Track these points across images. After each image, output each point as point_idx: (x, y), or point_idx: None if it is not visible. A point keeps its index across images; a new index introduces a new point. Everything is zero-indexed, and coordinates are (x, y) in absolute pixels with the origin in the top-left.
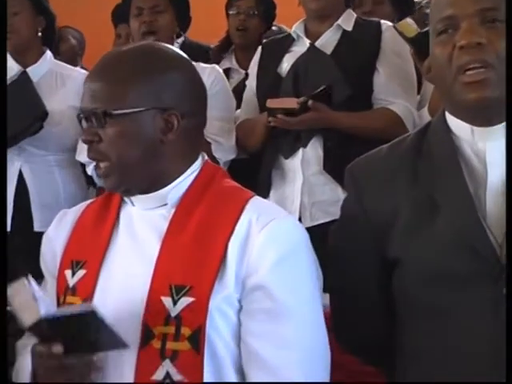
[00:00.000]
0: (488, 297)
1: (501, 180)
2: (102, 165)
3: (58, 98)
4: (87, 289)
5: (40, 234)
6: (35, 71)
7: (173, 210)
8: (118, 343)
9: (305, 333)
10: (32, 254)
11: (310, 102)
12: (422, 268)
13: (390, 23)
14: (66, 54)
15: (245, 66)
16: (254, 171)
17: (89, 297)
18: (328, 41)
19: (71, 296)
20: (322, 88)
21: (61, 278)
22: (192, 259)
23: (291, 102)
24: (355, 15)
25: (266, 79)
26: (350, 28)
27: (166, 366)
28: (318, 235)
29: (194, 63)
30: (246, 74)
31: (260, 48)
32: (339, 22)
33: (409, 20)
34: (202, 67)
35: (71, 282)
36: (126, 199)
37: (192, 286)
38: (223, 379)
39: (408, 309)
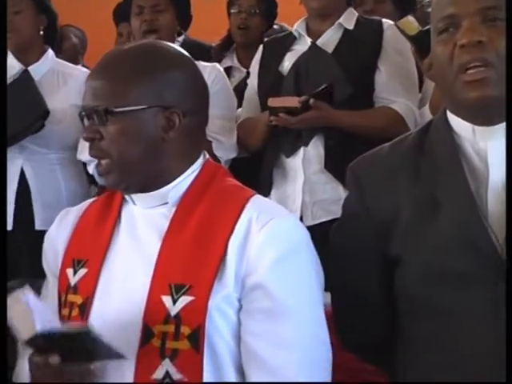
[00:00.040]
0: (489, 296)
1: (502, 179)
2: (103, 162)
3: (59, 97)
4: (88, 287)
5: (41, 233)
6: (37, 70)
7: (173, 209)
8: (114, 355)
9: (304, 333)
10: (33, 252)
11: (311, 101)
12: (423, 266)
13: (392, 22)
14: (68, 52)
15: (246, 64)
16: (256, 170)
17: (90, 296)
18: (329, 39)
19: (72, 294)
20: (323, 87)
21: (62, 276)
22: (192, 258)
23: (293, 101)
24: (356, 14)
25: (267, 78)
26: (351, 27)
27: (166, 365)
28: (320, 234)
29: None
30: (248, 73)
31: (261, 46)
32: (340, 20)
33: (410, 18)
34: (203, 66)
35: (72, 280)
36: (127, 198)
37: (191, 285)
38: (223, 379)
39: (409, 307)
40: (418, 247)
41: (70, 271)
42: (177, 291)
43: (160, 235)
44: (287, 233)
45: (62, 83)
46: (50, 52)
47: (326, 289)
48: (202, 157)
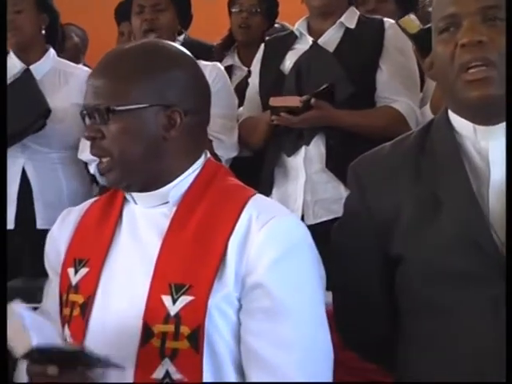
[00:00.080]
0: (490, 295)
1: (503, 178)
2: (104, 160)
3: (61, 96)
4: (89, 287)
5: (43, 232)
6: (38, 69)
7: (174, 208)
8: (112, 366)
9: (304, 332)
10: (35, 251)
11: (312, 101)
12: (424, 265)
13: (393, 21)
14: (69, 51)
15: (247, 63)
16: (257, 169)
17: (91, 295)
18: (331, 38)
19: (74, 294)
20: (324, 86)
21: (64, 275)
22: (192, 258)
23: (294, 101)
24: (358, 13)
25: (268, 77)
26: (352, 26)
27: (166, 365)
28: (321, 233)
29: None
30: (249, 71)
31: (263, 45)
32: (342, 19)
33: (412, 16)
34: (204, 65)
35: (74, 280)
36: (128, 197)
37: (191, 285)
38: (223, 378)
39: (410, 306)
40: (419, 246)
41: (71, 271)
42: (177, 291)
43: (161, 235)
44: (287, 232)
45: (64, 82)
46: (52, 51)
47: (328, 288)
48: (203, 156)
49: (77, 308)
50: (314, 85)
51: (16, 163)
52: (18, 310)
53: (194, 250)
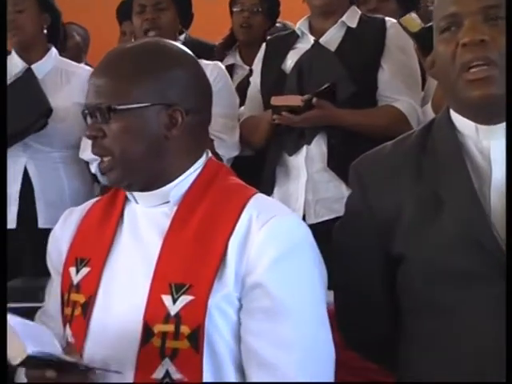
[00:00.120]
0: (492, 294)
1: (506, 177)
2: (105, 159)
3: (62, 95)
4: (91, 286)
5: (44, 231)
6: (40, 68)
7: (175, 208)
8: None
9: (305, 332)
10: (36, 250)
11: (314, 100)
12: (426, 264)
13: (395, 20)
14: (71, 50)
15: (249, 62)
16: (258, 168)
17: (92, 294)
18: (332, 38)
19: (75, 293)
20: (326, 85)
21: (65, 275)
22: (192, 257)
23: (295, 100)
24: (359, 12)
25: (270, 76)
26: (354, 25)
27: (166, 365)
28: (322, 232)
29: None
30: (250, 70)
31: (264, 45)
32: (343, 18)
33: (413, 15)
34: (205, 64)
35: (75, 279)
36: (129, 197)
37: (191, 285)
38: (223, 378)
39: (412, 306)
40: (420, 245)
41: (72, 270)
42: (177, 290)
43: (161, 234)
44: (288, 232)
45: (65, 81)
46: (54, 50)
47: (329, 287)
48: (204, 155)
49: (78, 307)
50: (315, 84)
51: (18, 162)
52: (10, 320)
53: (195, 250)
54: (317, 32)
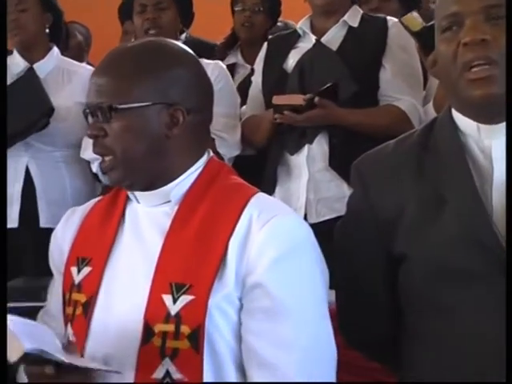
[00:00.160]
0: (494, 293)
1: (506, 177)
2: (106, 159)
3: (64, 94)
4: (92, 286)
5: (46, 230)
6: (42, 67)
7: (176, 207)
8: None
9: (305, 332)
10: (38, 250)
11: (316, 99)
12: (427, 263)
13: (396, 19)
14: (73, 50)
15: (250, 61)
16: (260, 168)
17: (94, 294)
18: (334, 37)
19: (76, 293)
20: (328, 85)
21: (67, 274)
22: (193, 257)
23: (297, 99)
24: (361, 11)
25: (271, 75)
26: (355, 24)
27: (166, 365)
28: (324, 232)
29: None
30: (252, 69)
31: (266, 44)
32: (345, 18)
33: (414, 14)
34: (206, 63)
35: (77, 279)
36: (131, 196)
37: (192, 284)
38: (224, 378)
39: (413, 305)
40: (422, 245)
41: (74, 269)
42: (177, 290)
43: (162, 234)
44: (288, 231)
45: (67, 81)
46: (55, 50)
47: (331, 287)
48: (206, 154)
49: (79, 307)
50: (317, 83)
51: (20, 162)
52: (7, 318)
53: (195, 250)
54: (318, 31)
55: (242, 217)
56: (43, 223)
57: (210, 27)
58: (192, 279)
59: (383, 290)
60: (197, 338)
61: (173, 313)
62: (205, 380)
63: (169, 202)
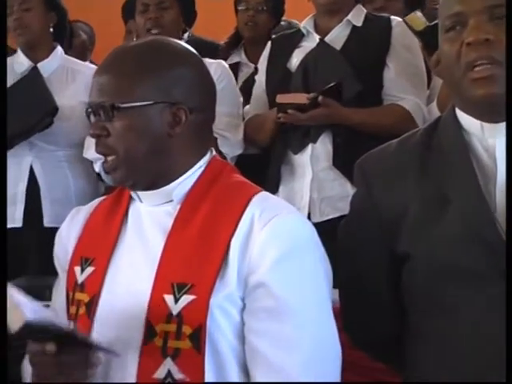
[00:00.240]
0: (498, 293)
1: (506, 177)
2: (109, 158)
3: (68, 94)
4: (95, 286)
5: (50, 230)
6: (46, 67)
7: (178, 207)
8: (106, 351)
9: (308, 332)
10: (42, 249)
11: (320, 98)
12: (431, 263)
13: (400, 19)
14: (77, 48)
15: (254, 60)
16: (263, 167)
17: (96, 294)
18: (338, 36)
19: (79, 292)
20: (332, 84)
21: (70, 274)
22: (195, 257)
23: (301, 98)
24: (365, 10)
25: (275, 74)
26: (359, 23)
27: (168, 365)
28: (327, 231)
29: None
30: (256, 69)
31: (269, 43)
32: (349, 17)
33: (418, 13)
34: (209, 63)
35: (80, 278)
36: (134, 196)
37: (193, 284)
38: (226, 378)
39: (417, 304)
40: (426, 244)
41: (77, 269)
42: (179, 290)
43: (164, 233)
44: (290, 231)
45: (71, 80)
46: (59, 49)
47: (335, 286)
48: (208, 153)
49: (82, 307)
50: (321, 82)
51: (24, 161)
52: (10, 289)
53: (197, 249)
54: (322, 31)
55: (244, 216)
56: (47, 222)
57: (212, 26)
58: (194, 279)
59: (387, 289)
60: (198, 337)
61: (174, 313)
62: (206, 380)
63: (171, 201)
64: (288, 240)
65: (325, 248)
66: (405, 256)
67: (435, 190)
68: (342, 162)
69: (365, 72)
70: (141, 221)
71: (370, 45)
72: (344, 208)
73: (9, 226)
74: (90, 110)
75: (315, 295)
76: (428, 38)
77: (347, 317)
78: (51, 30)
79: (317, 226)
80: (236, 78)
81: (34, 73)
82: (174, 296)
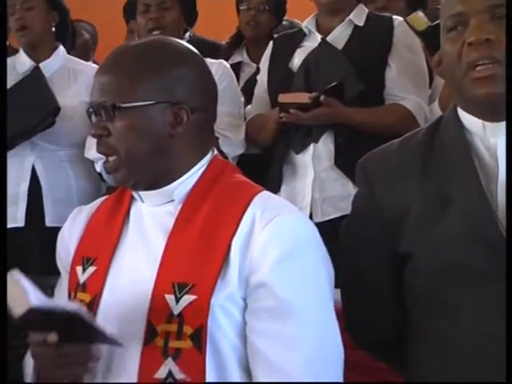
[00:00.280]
0: (500, 292)
1: (506, 176)
2: (110, 159)
3: (70, 94)
4: (96, 286)
5: (52, 229)
6: (48, 66)
7: (179, 207)
8: (109, 341)
9: (310, 332)
10: (44, 249)
11: (321, 97)
12: (433, 262)
13: (402, 19)
14: (80, 48)
15: (256, 59)
16: (265, 166)
17: (98, 294)
18: (339, 36)
19: (81, 292)
20: (334, 83)
21: (72, 274)
22: (196, 257)
23: (303, 97)
24: (367, 10)
25: (277, 74)
26: (361, 23)
27: (169, 365)
28: (329, 230)
29: None
30: (258, 68)
31: (271, 43)
32: (351, 17)
33: (419, 13)
34: (210, 62)
35: (82, 278)
36: (135, 196)
37: (194, 284)
38: (227, 378)
39: (419, 304)
40: (428, 243)
41: (79, 269)
42: (180, 290)
43: (166, 233)
44: (292, 230)
45: (73, 80)
46: (61, 48)
47: (337, 285)
48: (210, 153)
49: (84, 306)
50: (322, 82)
51: (26, 161)
52: (16, 275)
53: (198, 249)
54: (324, 30)
55: (246, 216)
56: (49, 222)
57: (213, 26)
58: (195, 279)
59: (388, 288)
60: (199, 337)
61: (175, 313)
62: (208, 380)
63: (172, 201)
64: (290, 240)
65: (326, 248)
66: (407, 255)
67: (437, 189)
68: (344, 161)
69: (367, 71)
70: (142, 221)
71: (372, 44)
72: (346, 208)
73: (11, 225)
74: (91, 109)
75: (317, 295)
76: (429, 38)
77: (349, 316)
78: (53, 29)
79: (318, 225)
80: (238, 78)
81: (36, 73)
82: (175, 296)
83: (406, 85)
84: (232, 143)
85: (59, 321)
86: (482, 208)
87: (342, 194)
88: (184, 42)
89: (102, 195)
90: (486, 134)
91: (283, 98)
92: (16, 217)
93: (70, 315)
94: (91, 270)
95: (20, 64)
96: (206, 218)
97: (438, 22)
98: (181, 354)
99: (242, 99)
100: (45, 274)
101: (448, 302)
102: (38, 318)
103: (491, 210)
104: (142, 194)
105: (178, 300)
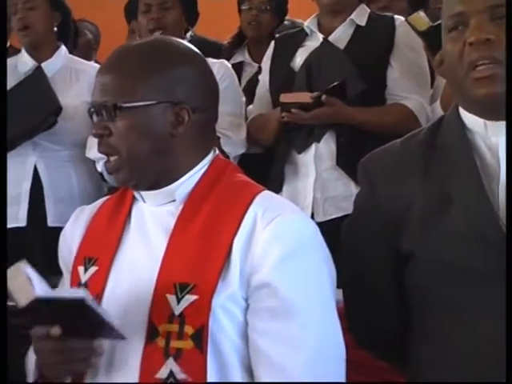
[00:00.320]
0: (501, 292)
1: (506, 176)
2: (112, 159)
3: (72, 93)
4: (98, 286)
5: (54, 229)
6: (50, 66)
7: (181, 207)
8: (113, 332)
9: (312, 332)
10: (45, 249)
11: (323, 97)
12: (434, 262)
13: (404, 18)
14: (82, 48)
15: (258, 59)
16: (267, 166)
17: (99, 294)
18: (341, 36)
19: None
20: (336, 83)
21: (74, 274)
22: (197, 257)
23: (305, 97)
24: (368, 10)
25: (279, 74)
26: (363, 23)
27: (170, 365)
28: (331, 230)
29: None
30: (259, 68)
31: (273, 42)
32: (352, 16)
33: (421, 13)
34: (211, 62)
35: (83, 278)
36: (137, 196)
37: (196, 284)
38: (228, 378)
39: (420, 303)
40: (429, 243)
41: (81, 269)
42: (181, 290)
43: (167, 233)
44: (293, 230)
45: (75, 80)
46: (63, 48)
47: (338, 285)
48: (211, 153)
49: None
50: (324, 82)
51: (28, 161)
52: (22, 265)
53: (199, 249)
54: (325, 30)
55: (247, 215)
56: (51, 222)
57: (215, 26)
58: (196, 279)
59: (390, 288)
60: (200, 337)
61: (177, 313)
62: (209, 380)
63: (174, 201)
64: (291, 239)
65: (328, 247)
66: (408, 255)
67: (438, 188)
68: (346, 161)
69: (368, 71)
70: (144, 221)
71: (374, 44)
72: (347, 207)
73: (13, 225)
74: (92, 109)
75: (319, 295)
76: (431, 38)
77: (351, 316)
78: (55, 29)
79: (320, 225)
80: (239, 78)
81: (38, 72)
82: (177, 296)
83: (408, 84)
84: (233, 143)
85: (64, 311)
86: (484, 208)
87: (343, 194)
88: (185, 42)
89: (104, 195)
90: (488, 133)
91: (285, 97)
92: (18, 217)
93: (75, 304)
94: (93, 269)
95: (22, 64)
96: (208, 218)
97: (439, 22)
98: (182, 354)
99: (244, 99)
100: (47, 274)
101: (449, 301)
102: (43, 309)
103: (492, 209)
104: (144, 193)
105: (179, 300)
